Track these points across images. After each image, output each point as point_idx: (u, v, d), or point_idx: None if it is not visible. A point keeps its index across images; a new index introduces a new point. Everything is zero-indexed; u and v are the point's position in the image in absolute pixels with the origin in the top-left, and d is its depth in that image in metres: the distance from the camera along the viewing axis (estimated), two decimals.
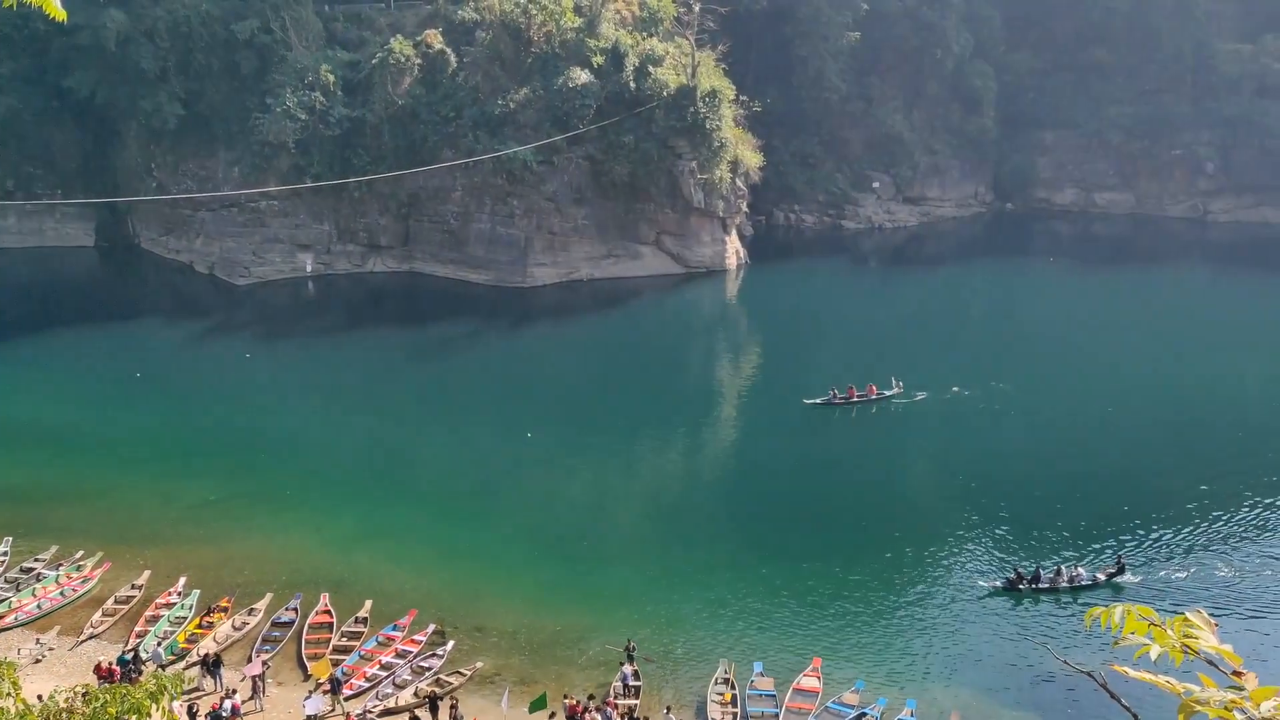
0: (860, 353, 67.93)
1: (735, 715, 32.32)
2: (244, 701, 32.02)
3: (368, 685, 33.86)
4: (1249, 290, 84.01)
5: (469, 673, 34.16)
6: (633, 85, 79.26)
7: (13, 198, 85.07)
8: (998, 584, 39.58)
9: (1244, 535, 43.63)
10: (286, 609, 37.70)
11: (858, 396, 57.82)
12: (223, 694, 32.32)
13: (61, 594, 38.52)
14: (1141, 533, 43.63)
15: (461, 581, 40.50)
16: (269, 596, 38.52)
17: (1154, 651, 4.70)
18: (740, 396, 64.66)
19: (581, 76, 78.17)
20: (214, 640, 35.72)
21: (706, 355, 73.93)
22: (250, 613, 37.62)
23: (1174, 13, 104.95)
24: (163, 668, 33.40)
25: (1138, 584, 39.53)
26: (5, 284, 79.67)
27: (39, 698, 12.27)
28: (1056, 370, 64.43)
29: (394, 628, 36.70)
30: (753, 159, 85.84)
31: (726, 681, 33.47)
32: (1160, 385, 61.63)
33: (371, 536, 43.95)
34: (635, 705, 32.45)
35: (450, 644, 35.63)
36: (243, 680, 33.10)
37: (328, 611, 37.56)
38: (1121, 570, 39.92)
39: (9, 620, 37.09)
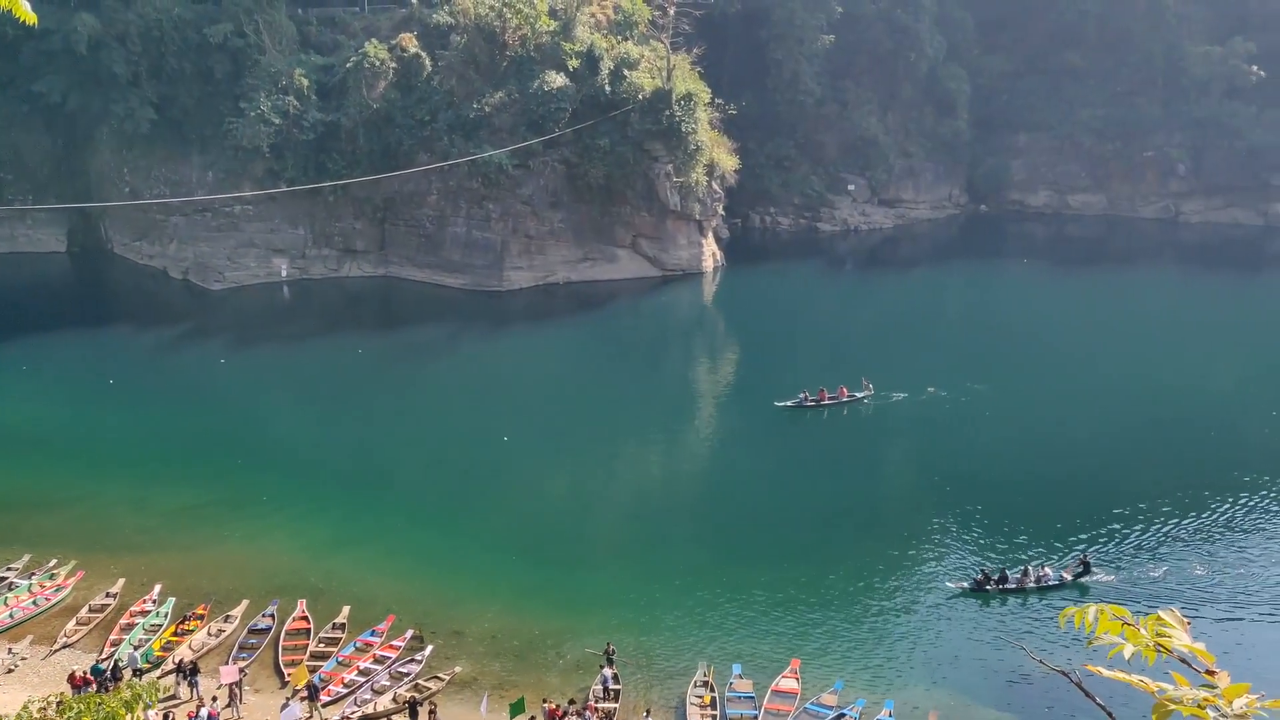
0: (836, 355, 68.14)
1: (715, 717, 32.36)
2: (221, 709, 31.81)
3: (346, 691, 33.72)
4: (1220, 290, 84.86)
5: (448, 677, 34.08)
6: (608, 88, 79.27)
7: None
8: (965, 585, 39.78)
9: (1217, 534, 44.03)
10: (263, 615, 37.46)
11: (829, 399, 57.97)
12: (199, 702, 32.10)
13: (35, 603, 38.10)
14: (1115, 532, 43.95)
15: (440, 586, 40.39)
16: (245, 603, 38.27)
17: (1127, 650, 4.74)
18: (716, 399, 64.76)
19: (557, 80, 78.13)
20: (190, 648, 35.44)
21: (682, 358, 73.98)
22: (226, 620, 37.36)
23: (1145, 16, 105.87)
24: (139, 674, 33.19)
25: (1111, 583, 39.83)
26: None
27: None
28: (1031, 371, 64.83)
29: (372, 633, 36.56)
30: (728, 162, 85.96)
31: (705, 684, 33.52)
32: (1133, 385, 62.09)
33: (348, 542, 43.75)
34: (615, 709, 32.45)
35: (429, 649, 35.53)
36: (219, 688, 32.88)
37: (305, 618, 37.37)
38: (1087, 570, 40.17)
39: None
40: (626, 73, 79.69)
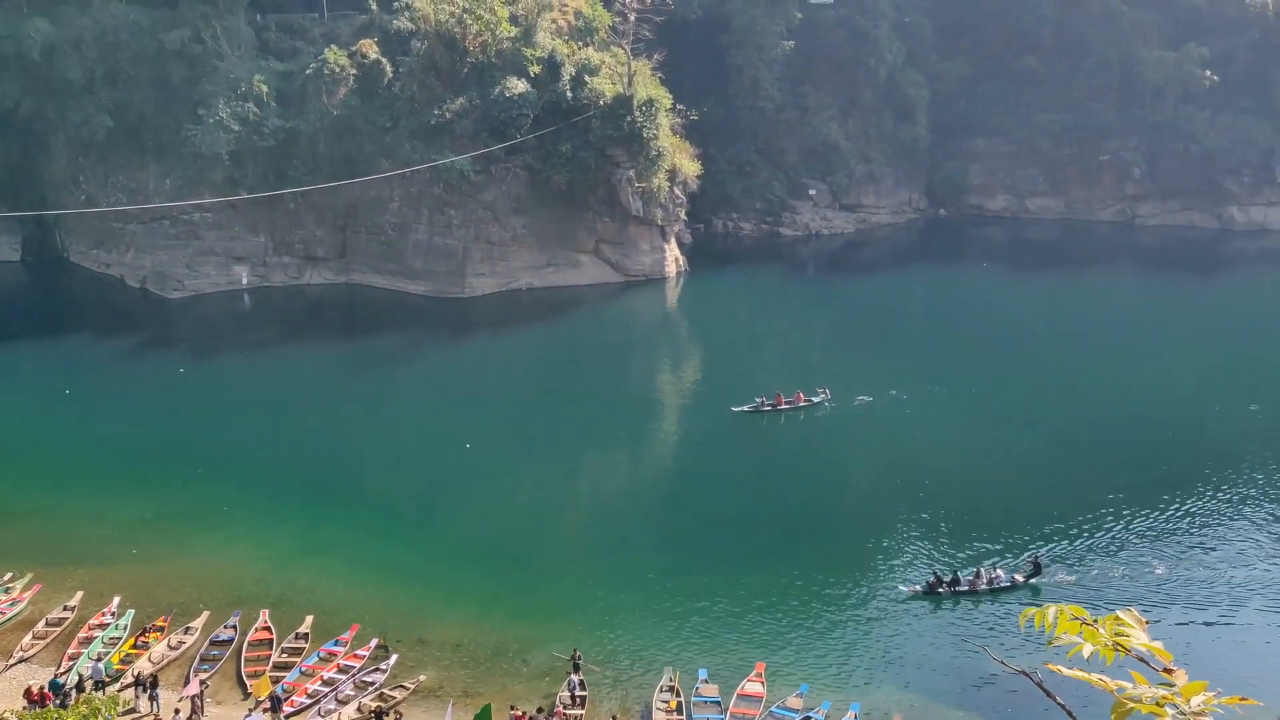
0: (798, 359, 68.47)
1: None
2: None
3: (309, 702, 33.40)
4: (1176, 292, 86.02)
5: (413, 686, 33.87)
6: (569, 94, 79.23)
7: None
8: (918, 588, 40.00)
9: (1173, 534, 44.56)
10: (225, 627, 37.06)
11: (785, 404, 58.20)
12: (157, 717, 31.70)
13: None
14: (1073, 533, 44.36)
15: (403, 595, 40.16)
16: (206, 615, 37.85)
17: (1086, 650, 4.78)
18: (678, 405, 64.80)
19: (518, 86, 77.99)
20: (149, 660, 35.00)
21: (645, 364, 73.99)
22: (187, 631, 36.92)
23: (1101, 21, 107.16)
24: (101, 686, 32.72)
25: (1069, 584, 40.16)
26: None
27: None
28: (990, 373, 65.38)
29: (336, 643, 36.26)
30: (690, 167, 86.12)
31: (672, 689, 33.53)
32: (1091, 387, 62.78)
33: (311, 551, 43.39)
34: (582, 715, 32.38)
35: (393, 658, 35.30)
36: (180, 700, 32.49)
37: (267, 628, 37.01)
38: (1038, 571, 40.50)
39: None
40: (588, 79, 79.68)
